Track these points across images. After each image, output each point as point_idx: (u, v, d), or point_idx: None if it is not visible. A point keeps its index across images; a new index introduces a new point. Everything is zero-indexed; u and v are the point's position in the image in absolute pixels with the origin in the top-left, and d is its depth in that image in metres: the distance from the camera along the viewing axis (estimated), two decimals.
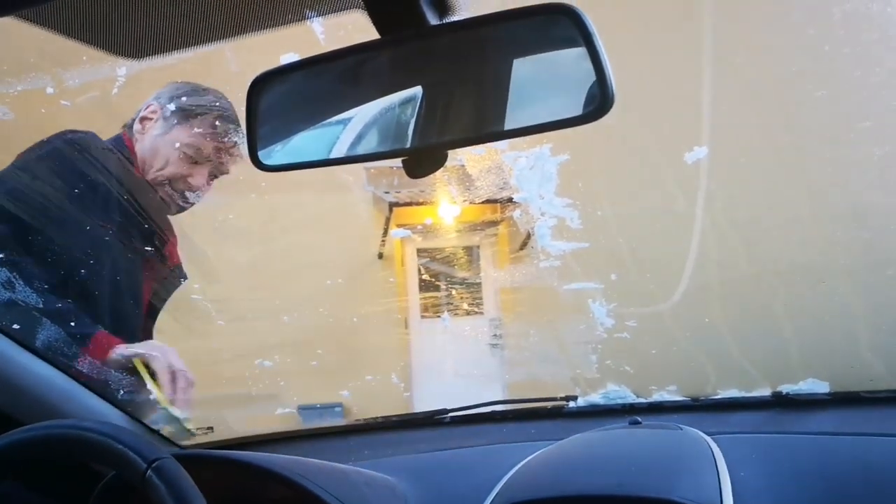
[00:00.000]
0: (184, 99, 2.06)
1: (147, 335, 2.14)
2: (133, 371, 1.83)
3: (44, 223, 1.87)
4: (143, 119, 2.09)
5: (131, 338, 1.94)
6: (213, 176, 2.14)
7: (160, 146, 2.06)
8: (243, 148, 2.10)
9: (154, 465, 1.10)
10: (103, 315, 1.93)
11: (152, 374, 1.82)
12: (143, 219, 2.06)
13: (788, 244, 4.16)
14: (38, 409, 1.53)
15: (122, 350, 1.84)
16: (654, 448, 1.57)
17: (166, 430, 1.86)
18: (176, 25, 1.08)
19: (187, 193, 2.10)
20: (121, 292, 2.00)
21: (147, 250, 2.09)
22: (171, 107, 2.06)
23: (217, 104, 2.09)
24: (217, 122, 2.07)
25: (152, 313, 2.18)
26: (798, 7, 3.85)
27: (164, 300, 2.21)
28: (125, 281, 2.01)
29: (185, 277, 2.27)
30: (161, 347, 1.85)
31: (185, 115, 2.05)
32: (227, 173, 2.16)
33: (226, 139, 2.09)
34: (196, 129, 2.06)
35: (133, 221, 2.04)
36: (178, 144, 2.04)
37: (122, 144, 2.08)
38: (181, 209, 2.15)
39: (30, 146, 1.95)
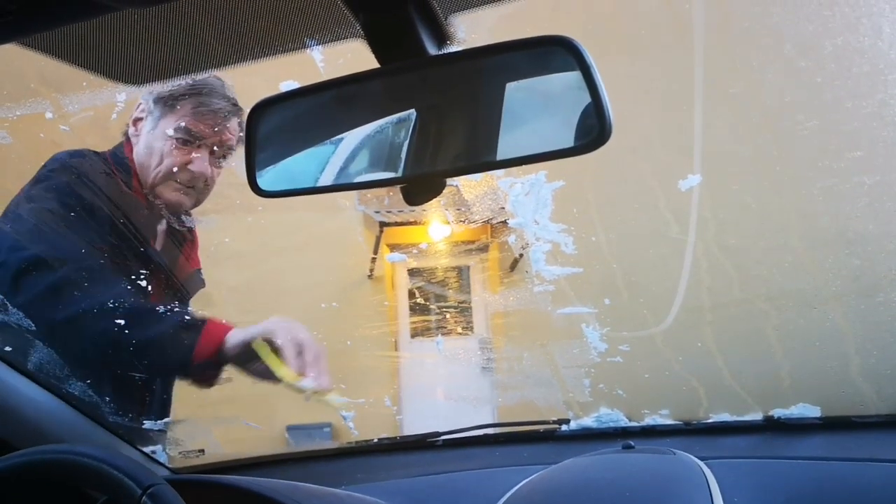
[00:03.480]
0: (165, 87, 1.92)
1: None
2: (254, 356, 1.75)
3: (55, 247, 1.79)
4: (135, 121, 1.99)
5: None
6: (216, 156, 1.99)
7: (153, 142, 1.94)
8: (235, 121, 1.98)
9: (149, 490, 1.09)
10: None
11: (276, 352, 1.73)
12: (149, 228, 1.98)
13: (780, 270, 4.19)
14: (32, 433, 1.53)
15: (239, 335, 1.75)
16: (647, 473, 1.58)
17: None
18: (176, 53, 1.09)
19: (196, 183, 1.97)
20: (132, 307, 1.82)
21: (156, 261, 1.99)
22: (154, 98, 1.94)
23: (198, 81, 1.95)
24: (203, 98, 1.94)
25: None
26: (791, 40, 3.90)
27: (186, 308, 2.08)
28: (133, 297, 1.86)
29: (203, 284, 2.17)
30: (280, 321, 1.76)
31: (168, 101, 1.93)
32: (232, 151, 2.00)
33: (217, 113, 1.95)
34: (182, 112, 1.93)
35: (138, 233, 1.95)
36: (168, 133, 1.92)
37: (122, 153, 1.98)
38: (197, 203, 2.04)
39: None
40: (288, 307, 6.09)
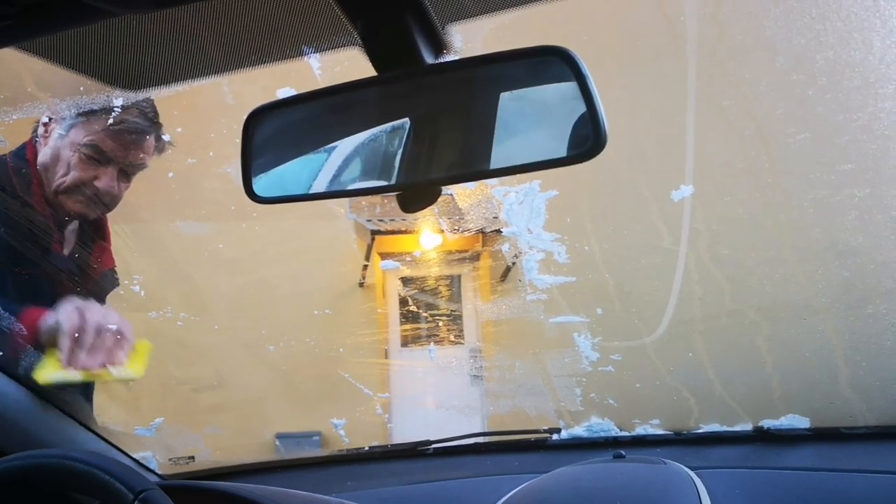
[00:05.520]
0: (81, 98, 1.82)
1: None
2: None
3: None
4: (46, 123, 1.91)
5: None
6: (126, 174, 1.94)
7: (61, 150, 1.87)
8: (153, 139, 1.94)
9: (141, 496, 1.09)
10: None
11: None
12: (50, 232, 1.92)
13: (770, 281, 4.21)
14: (23, 437, 1.52)
15: (47, 321, 1.65)
16: (638, 483, 1.58)
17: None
18: (174, 59, 1.10)
19: (101, 199, 1.91)
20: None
21: (61, 266, 1.94)
22: (68, 103, 1.84)
23: (117, 97, 1.85)
24: (118, 115, 1.86)
25: None
26: (783, 53, 3.93)
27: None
28: (36, 301, 1.81)
29: (117, 283, 2.10)
30: (73, 304, 1.64)
31: (83, 110, 1.84)
32: (144, 167, 1.96)
33: (132, 132, 1.88)
34: (95, 125, 1.85)
35: (35, 238, 1.88)
36: (77, 145, 1.86)
37: (23, 156, 1.91)
38: (103, 213, 1.99)
39: None
40: (280, 313, 6.09)
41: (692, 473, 1.60)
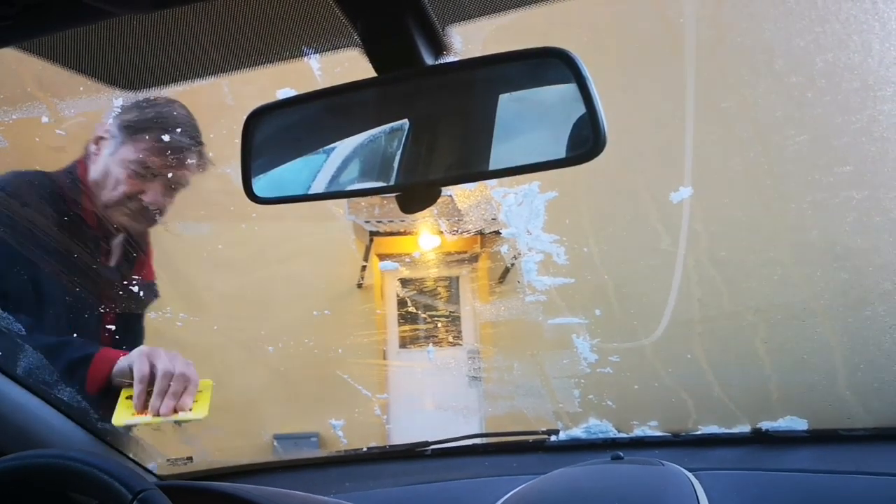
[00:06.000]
0: (132, 113, 1.99)
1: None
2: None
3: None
4: (98, 139, 2.02)
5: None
6: (171, 188, 2.05)
7: (111, 166, 1.99)
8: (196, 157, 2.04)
9: (139, 496, 1.09)
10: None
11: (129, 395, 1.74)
12: (98, 246, 2.02)
13: (769, 283, 4.21)
14: (21, 438, 1.52)
15: (124, 363, 1.77)
16: (636, 484, 1.58)
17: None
18: (174, 59, 1.10)
19: (148, 213, 2.02)
20: (73, 325, 1.93)
21: (107, 277, 2.04)
22: (119, 123, 1.99)
23: (165, 114, 2.01)
24: (165, 134, 1.98)
25: (124, 336, 2.09)
26: (782, 55, 3.93)
27: (139, 320, 2.15)
28: (78, 314, 1.95)
29: (158, 295, 2.20)
30: (144, 352, 1.76)
31: (132, 129, 1.98)
32: (187, 184, 2.07)
33: (176, 150, 2.00)
34: (143, 143, 1.98)
35: (87, 251, 1.99)
36: (126, 161, 1.97)
37: (75, 172, 2.02)
38: (149, 226, 2.09)
39: None
40: (278, 314, 6.09)
41: (690, 475, 1.60)
